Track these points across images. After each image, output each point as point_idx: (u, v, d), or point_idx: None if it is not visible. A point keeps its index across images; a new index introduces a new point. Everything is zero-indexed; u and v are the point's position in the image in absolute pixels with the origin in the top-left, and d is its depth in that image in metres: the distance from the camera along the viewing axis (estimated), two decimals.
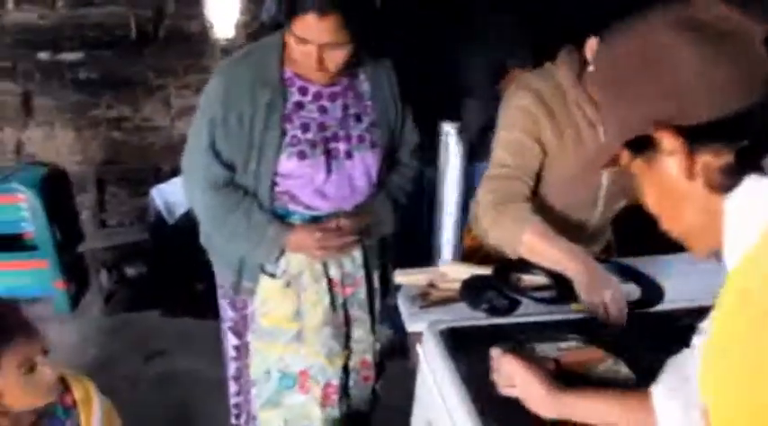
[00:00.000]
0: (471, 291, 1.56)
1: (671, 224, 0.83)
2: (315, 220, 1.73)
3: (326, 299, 1.78)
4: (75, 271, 3.33)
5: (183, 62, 3.34)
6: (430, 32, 2.39)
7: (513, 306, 1.55)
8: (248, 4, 3.26)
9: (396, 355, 2.63)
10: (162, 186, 3.22)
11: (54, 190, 3.27)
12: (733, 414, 0.69)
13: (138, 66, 3.33)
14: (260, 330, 1.83)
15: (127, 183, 3.47)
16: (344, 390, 1.92)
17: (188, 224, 3.12)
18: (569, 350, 1.36)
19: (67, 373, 1.42)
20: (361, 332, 1.90)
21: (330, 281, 1.79)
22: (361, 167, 1.72)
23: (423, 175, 2.56)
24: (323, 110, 1.68)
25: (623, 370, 1.29)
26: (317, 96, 1.67)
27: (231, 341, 1.93)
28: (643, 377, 1.28)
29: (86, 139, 3.41)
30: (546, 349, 1.38)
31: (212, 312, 2.86)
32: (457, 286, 1.60)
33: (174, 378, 2.77)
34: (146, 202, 3.28)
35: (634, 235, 1.90)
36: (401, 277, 1.67)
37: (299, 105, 1.66)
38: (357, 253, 1.82)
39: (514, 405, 1.17)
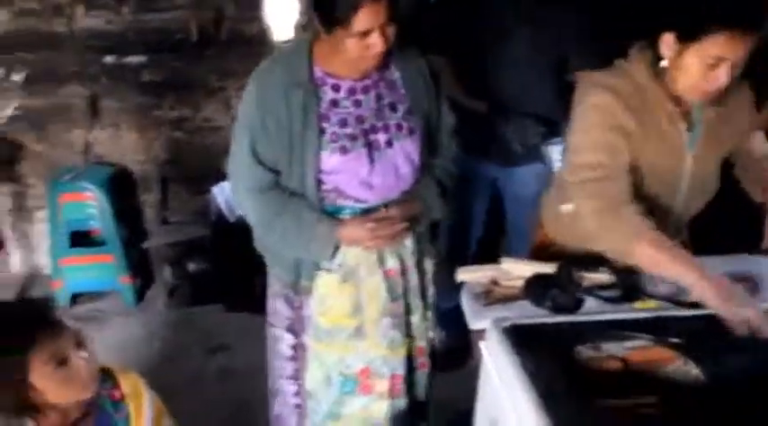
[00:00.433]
0: (535, 289, 1.56)
1: None
2: (365, 213, 1.75)
3: (384, 290, 1.80)
4: (140, 267, 3.44)
5: (243, 64, 3.39)
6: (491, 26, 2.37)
7: (577, 304, 1.55)
8: (306, 6, 3.31)
9: (452, 357, 2.66)
10: (223, 184, 3.29)
11: (120, 188, 3.39)
12: None
13: (200, 68, 3.41)
14: (318, 330, 1.84)
15: (189, 182, 3.56)
16: (408, 380, 1.94)
17: (247, 222, 3.21)
18: (636, 349, 1.35)
19: (115, 368, 1.46)
20: (416, 319, 1.91)
21: (386, 272, 1.81)
22: (403, 155, 1.75)
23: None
24: (358, 103, 1.71)
25: (693, 371, 1.28)
26: (351, 91, 1.71)
27: (287, 340, 1.93)
28: (714, 379, 1.27)
29: (150, 140, 3.51)
30: (612, 348, 1.37)
31: None
32: (519, 283, 1.61)
33: (236, 373, 2.83)
34: (207, 200, 3.35)
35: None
36: (464, 274, 1.68)
37: (334, 102, 1.70)
38: (409, 242, 1.84)
39: (581, 401, 1.17)
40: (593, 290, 1.58)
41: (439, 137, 1.88)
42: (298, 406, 2.02)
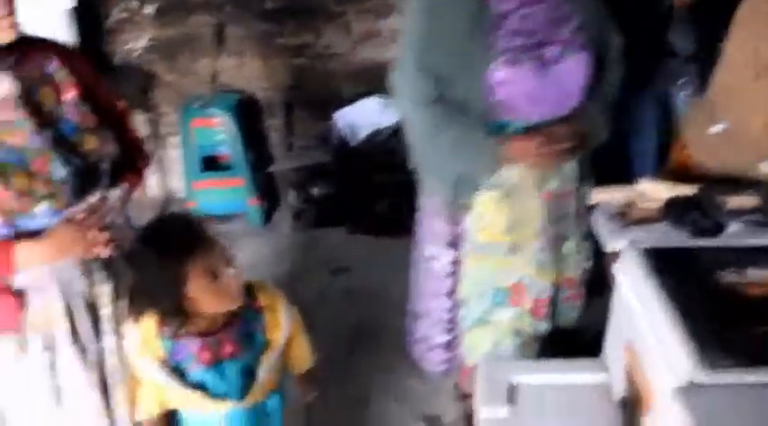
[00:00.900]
0: (675, 211, 1.50)
1: None
2: (530, 130, 1.71)
3: (541, 212, 1.78)
4: (266, 190, 3.59)
5: None
6: None
7: (719, 228, 1.48)
8: None
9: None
10: (345, 110, 3.34)
11: (246, 115, 3.51)
12: None
13: None
14: (475, 245, 1.85)
15: (311, 108, 3.61)
16: (553, 307, 1.92)
17: (369, 147, 3.26)
18: None
19: (254, 282, 1.54)
20: (570, 247, 1.89)
21: (546, 194, 1.78)
22: (573, 70, 1.69)
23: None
24: (527, 17, 1.65)
25: None
26: (521, 3, 1.65)
27: (447, 257, 1.93)
28: None
29: (273, 67, 3.58)
30: (756, 274, 1.31)
31: (392, 231, 3.02)
32: (656, 205, 1.55)
33: (359, 294, 2.93)
34: (329, 126, 3.41)
35: None
36: (599, 194, 1.63)
37: (503, 15, 1.65)
38: (570, 166, 1.80)
39: (724, 326, 1.12)
40: (737, 214, 1.50)
41: (608, 57, 1.80)
42: (450, 323, 2.02)
